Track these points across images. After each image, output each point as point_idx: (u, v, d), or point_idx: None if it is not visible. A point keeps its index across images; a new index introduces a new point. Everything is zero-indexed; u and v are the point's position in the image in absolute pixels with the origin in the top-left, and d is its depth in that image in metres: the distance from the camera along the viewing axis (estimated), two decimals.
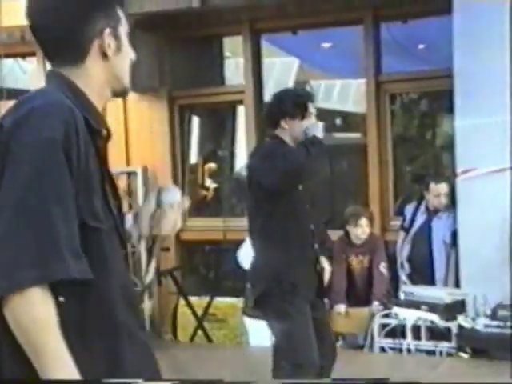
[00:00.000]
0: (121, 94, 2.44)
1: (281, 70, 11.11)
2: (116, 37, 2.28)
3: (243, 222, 9.08)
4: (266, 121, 4.77)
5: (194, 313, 8.43)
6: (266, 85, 9.78)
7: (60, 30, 2.20)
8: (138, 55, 8.64)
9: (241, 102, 9.63)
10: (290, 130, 4.60)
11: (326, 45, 10.01)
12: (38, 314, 1.94)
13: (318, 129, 4.53)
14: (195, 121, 10.24)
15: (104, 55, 2.26)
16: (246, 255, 7.04)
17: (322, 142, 4.50)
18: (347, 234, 7.50)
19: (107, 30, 2.24)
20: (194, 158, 10.23)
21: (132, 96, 9.72)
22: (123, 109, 9.74)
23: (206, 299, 8.55)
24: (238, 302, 7.39)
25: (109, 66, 2.29)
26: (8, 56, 10.28)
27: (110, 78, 2.32)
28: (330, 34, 9.62)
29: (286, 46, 10.30)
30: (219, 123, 10.63)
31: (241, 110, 9.85)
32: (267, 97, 9.68)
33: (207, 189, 10.24)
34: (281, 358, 4.53)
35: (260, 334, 6.91)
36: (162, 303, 9.45)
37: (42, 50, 2.29)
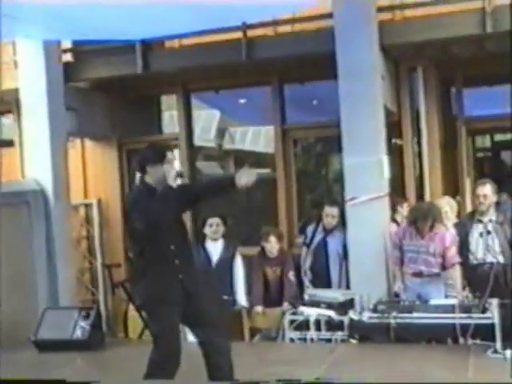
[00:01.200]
0: None
1: (206, 120, 11.26)
2: None
3: None
4: (136, 168, 4.76)
5: (141, 316, 8.44)
6: (195, 132, 9.98)
7: None
8: (94, 111, 8.77)
9: (176, 146, 9.79)
10: (153, 174, 4.63)
11: (242, 100, 10.23)
12: None
13: (170, 175, 4.60)
14: None
15: None
16: None
17: (168, 189, 4.58)
18: (263, 249, 7.53)
19: None
20: None
21: (89, 143, 9.84)
22: (81, 153, 9.81)
23: None
24: None
25: None
26: None
27: None
28: (245, 93, 9.88)
29: (210, 102, 10.46)
30: None
31: (176, 153, 9.98)
32: (196, 141, 9.93)
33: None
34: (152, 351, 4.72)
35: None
36: (115, 308, 9.49)
37: None
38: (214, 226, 7.18)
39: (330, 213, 7.50)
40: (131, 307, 8.61)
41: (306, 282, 7.54)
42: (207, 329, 4.81)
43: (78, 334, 6.81)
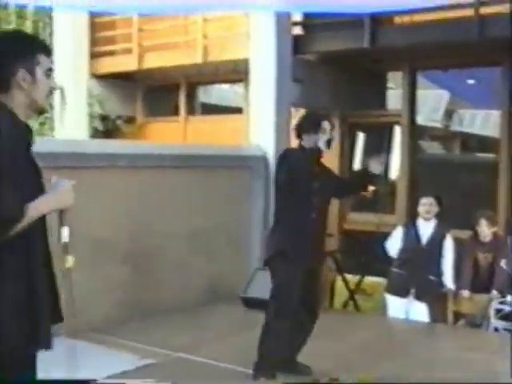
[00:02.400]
0: (40, 111, 2.73)
1: (433, 100, 11.00)
2: (31, 74, 2.60)
3: (393, 219, 9.15)
4: (295, 133, 4.92)
5: (348, 287, 8.52)
6: (421, 111, 9.76)
7: None
8: (319, 83, 8.86)
9: (398, 123, 9.65)
10: (307, 141, 4.77)
11: (471, 81, 9.84)
12: None
13: (321, 142, 4.72)
14: (360, 136, 10.32)
15: (20, 87, 2.59)
16: (392, 246, 7.09)
17: (319, 150, 4.73)
18: (476, 233, 7.18)
19: (21, 70, 2.57)
20: (356, 165, 10.31)
21: None
22: None
23: (357, 277, 8.64)
24: (383, 281, 7.39)
25: (26, 93, 2.60)
26: (224, 82, 10.78)
27: (29, 101, 2.62)
28: (474, 73, 9.48)
29: (438, 81, 10.18)
30: (379, 138, 10.64)
31: (397, 129, 9.85)
32: (422, 120, 9.71)
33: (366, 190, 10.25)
34: (271, 304, 4.79)
35: (397, 308, 6.93)
36: (323, 277, 9.60)
37: None
38: (427, 205, 6.97)
39: None
40: (338, 277, 8.73)
41: None
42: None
43: None
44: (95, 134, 10.64)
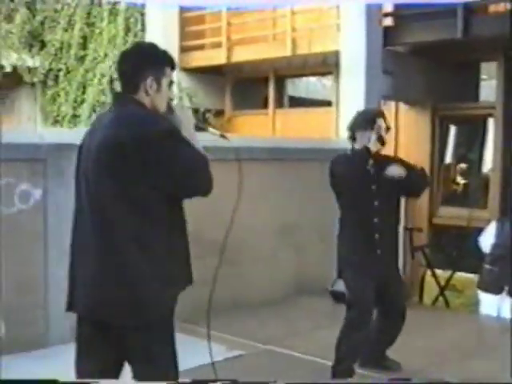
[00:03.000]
0: None
1: None
2: (158, 83, 2.90)
3: (485, 214, 8.95)
4: (348, 135, 4.71)
5: (438, 282, 8.40)
6: None
7: (125, 73, 2.95)
8: (410, 75, 8.71)
9: (491, 115, 9.41)
10: (360, 140, 4.59)
11: None
12: None
13: (372, 140, 4.54)
14: (452, 129, 10.12)
15: (147, 92, 2.89)
16: (485, 241, 6.95)
17: (364, 151, 4.54)
18: None
19: (150, 78, 2.87)
20: (448, 158, 10.13)
21: (403, 106, 9.86)
22: (395, 116, 9.86)
23: (448, 272, 8.50)
24: (475, 277, 7.26)
25: (150, 99, 2.90)
26: (313, 74, 10.77)
27: (151, 106, 2.91)
28: None
29: None
30: (471, 132, 10.41)
31: (490, 122, 9.61)
32: None
33: (457, 184, 10.09)
34: (346, 315, 4.73)
35: (489, 305, 6.79)
36: (412, 272, 9.50)
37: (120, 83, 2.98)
38: None
39: None
40: (428, 273, 8.62)
41: None
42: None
43: None
44: None
